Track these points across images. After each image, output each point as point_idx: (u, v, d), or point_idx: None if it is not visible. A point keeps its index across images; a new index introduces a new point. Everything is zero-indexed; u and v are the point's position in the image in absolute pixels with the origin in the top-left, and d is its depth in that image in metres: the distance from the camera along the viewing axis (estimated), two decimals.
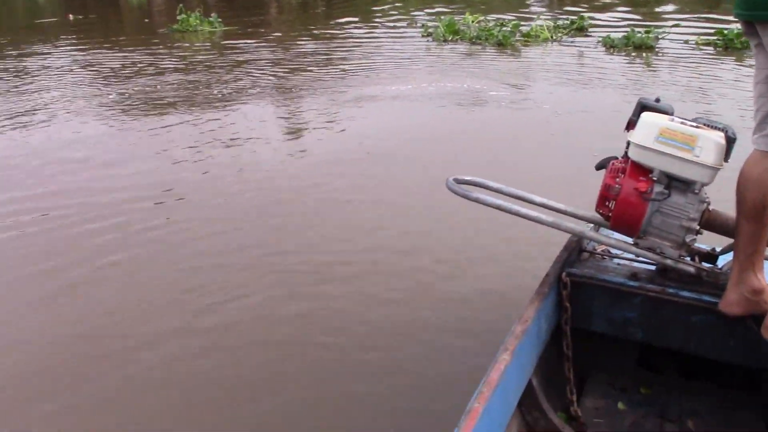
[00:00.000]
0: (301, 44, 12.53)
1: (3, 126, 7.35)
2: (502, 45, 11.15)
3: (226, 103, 8.08)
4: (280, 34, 14.32)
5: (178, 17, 14.71)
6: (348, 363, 3.19)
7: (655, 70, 9.29)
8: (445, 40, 11.91)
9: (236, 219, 4.85)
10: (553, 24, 12.41)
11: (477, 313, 3.52)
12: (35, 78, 9.99)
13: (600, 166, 2.40)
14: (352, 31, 14.20)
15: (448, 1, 17.44)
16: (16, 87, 9.33)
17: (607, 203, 2.26)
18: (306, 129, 7.11)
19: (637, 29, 10.99)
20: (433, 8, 16.22)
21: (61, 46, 13.39)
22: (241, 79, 9.35)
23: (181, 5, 15.09)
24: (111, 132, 7.09)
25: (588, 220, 2.51)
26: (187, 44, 13.19)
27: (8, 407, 3.00)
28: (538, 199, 2.53)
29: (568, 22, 12.58)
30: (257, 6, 20.45)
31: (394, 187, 5.32)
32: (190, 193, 5.37)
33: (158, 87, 9.01)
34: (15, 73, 10.39)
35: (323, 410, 2.90)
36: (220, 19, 15.07)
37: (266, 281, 3.98)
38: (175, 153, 6.34)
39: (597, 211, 2.31)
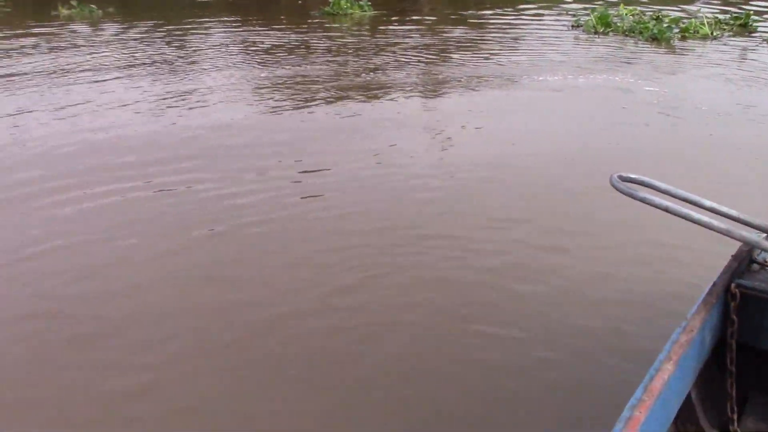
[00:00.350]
0: (449, 30, 12.60)
1: (167, 100, 7.87)
2: (656, 40, 10.73)
3: (371, 89, 8.27)
4: (428, 19, 14.43)
5: (330, 0, 15.14)
6: (492, 359, 3.18)
7: None
8: (595, 32, 11.59)
9: (375, 201, 4.96)
10: (714, 20, 11.76)
11: (623, 316, 3.45)
12: (195, 54, 10.66)
13: None
14: (501, 18, 14.08)
15: None
16: (177, 61, 9.98)
17: None
18: (449, 117, 7.14)
19: None
20: None
21: (220, 25, 14.14)
22: (387, 64, 9.54)
23: None
24: (261, 113, 7.41)
25: (763, 230, 2.39)
26: (337, 26, 13.58)
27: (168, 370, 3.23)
28: (708, 203, 2.39)
29: (731, 18, 11.90)
30: None
31: (539, 180, 5.28)
32: (332, 176, 5.51)
33: (308, 68, 9.35)
34: (177, 48, 11.14)
35: (470, 405, 2.90)
36: (369, 3, 15.38)
37: (409, 262, 4.06)
38: (317, 135, 6.54)
39: None
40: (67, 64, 9.66)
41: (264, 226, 4.57)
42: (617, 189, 2.32)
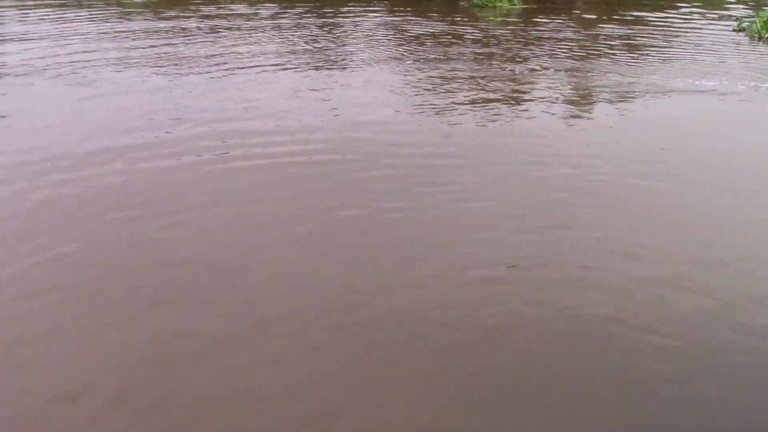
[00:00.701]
0: (601, 26, 12.31)
1: (317, 82, 8.23)
2: None
3: (516, 82, 8.25)
4: (580, 14, 14.13)
5: None
6: (649, 368, 3.10)
7: None
8: (760, 37, 10.95)
9: (512, 193, 4.95)
10: None
11: None
12: (346, 37, 11.03)
13: None
14: (658, 16, 13.60)
15: None
16: (329, 46, 10.34)
17: None
18: (596, 116, 7.04)
19: None
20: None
21: (372, 9, 14.51)
22: (535, 58, 9.49)
23: None
24: (403, 96, 7.58)
25: None
26: (487, 16, 13.62)
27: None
28: None
29: None
30: None
31: (696, 187, 5.15)
32: (468, 161, 5.57)
33: (452, 57, 9.44)
34: (328, 33, 11.58)
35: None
36: None
37: (543, 253, 4.09)
38: (457, 119, 6.68)
39: None
40: (224, 47, 10.24)
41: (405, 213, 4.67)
42: None
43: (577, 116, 7.02)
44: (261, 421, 2.76)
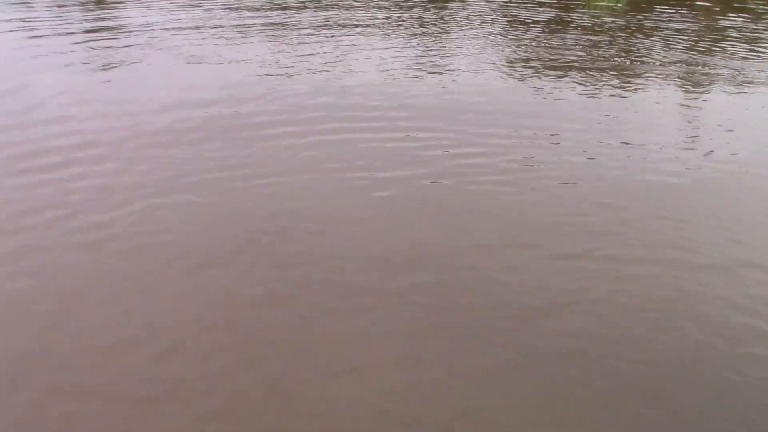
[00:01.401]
0: (724, 18, 11.56)
1: (424, 65, 7.93)
2: None
3: (624, 76, 7.83)
4: (704, 4, 13.34)
5: None
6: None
7: None
8: None
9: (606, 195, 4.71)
10: None
11: None
12: (456, 23, 10.69)
13: None
14: None
15: None
16: (434, 25, 10.03)
17: None
18: (707, 121, 6.49)
19: None
20: None
21: None
22: (646, 50, 9.08)
23: None
24: (509, 85, 7.32)
25: None
26: (596, 3, 13.10)
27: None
28: None
29: None
30: None
31: None
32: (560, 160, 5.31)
33: (561, 45, 9.15)
34: (439, 17, 11.39)
35: None
36: None
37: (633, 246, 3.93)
38: (564, 115, 6.34)
39: None
40: (333, 19, 10.37)
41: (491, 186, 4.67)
42: None
43: (684, 122, 6.55)
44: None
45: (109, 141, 5.19)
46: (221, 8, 11.00)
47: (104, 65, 7.35)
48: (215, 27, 9.33)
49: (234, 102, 6.20)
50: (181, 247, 3.74)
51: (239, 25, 9.60)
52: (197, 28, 9.20)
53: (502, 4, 13.05)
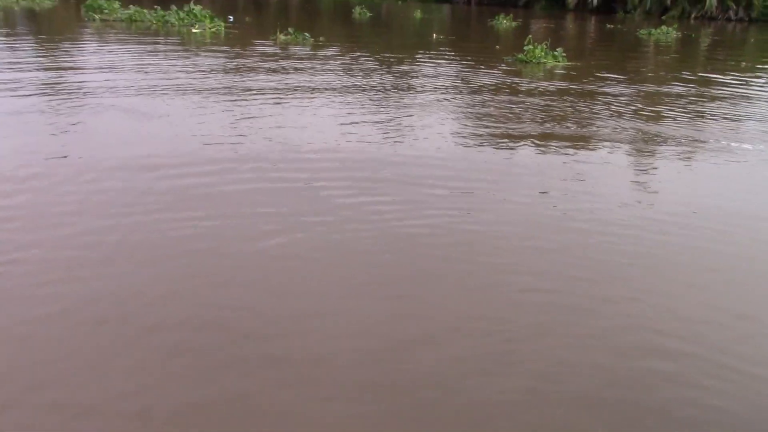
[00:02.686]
0: (668, 87, 12.53)
1: (384, 119, 8.56)
2: None
3: (576, 140, 8.33)
4: (647, 73, 14.38)
5: (525, 47, 15.51)
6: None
7: None
8: None
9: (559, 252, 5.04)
10: None
11: None
12: (410, 82, 11.52)
13: None
14: (735, 76, 13.79)
15: None
16: (394, 86, 10.78)
17: None
18: (657, 180, 6.99)
19: None
20: None
21: (430, 60, 15.16)
22: (592, 117, 9.68)
23: (529, 36, 16.04)
24: (458, 148, 7.75)
25: None
26: (534, 71, 14.02)
27: None
28: None
29: None
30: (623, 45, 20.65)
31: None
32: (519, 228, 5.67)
33: (510, 111, 9.74)
34: (397, 76, 12.17)
35: None
36: (564, 54, 15.59)
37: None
38: (512, 179, 6.79)
39: None
40: (286, 84, 10.90)
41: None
42: None
43: (634, 182, 7.03)
44: None
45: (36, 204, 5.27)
46: (178, 70, 11.65)
47: (55, 125, 7.55)
48: (168, 88, 9.82)
49: (183, 164, 6.35)
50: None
51: (196, 89, 9.97)
52: (150, 88, 9.70)
53: (443, 65, 13.94)
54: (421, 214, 5.44)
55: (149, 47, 15.42)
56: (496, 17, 28.65)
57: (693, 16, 40.89)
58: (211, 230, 4.95)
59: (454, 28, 30.49)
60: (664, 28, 26.68)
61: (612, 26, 31.04)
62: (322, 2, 44.25)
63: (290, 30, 18.47)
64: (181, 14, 20.76)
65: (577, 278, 4.50)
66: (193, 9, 20.89)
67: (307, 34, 18.47)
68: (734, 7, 41.39)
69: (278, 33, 18.38)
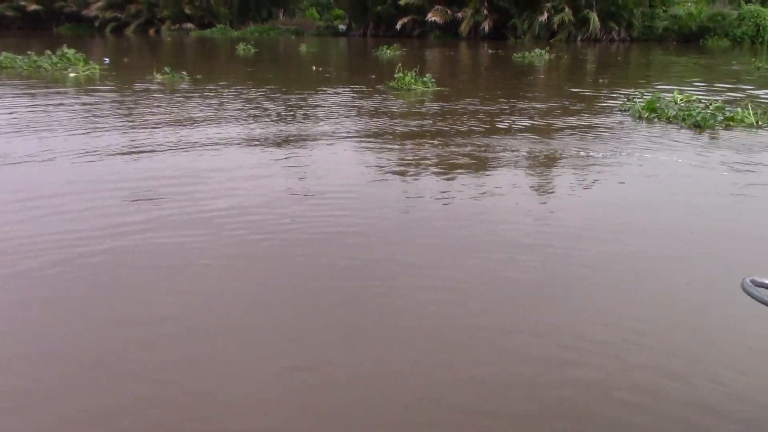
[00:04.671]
0: (504, 107, 13.19)
1: (281, 150, 8.69)
2: (699, 127, 10.87)
3: (442, 160, 8.79)
4: (508, 93, 15.06)
5: (396, 75, 16.03)
6: None
7: None
8: (640, 117, 11.85)
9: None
10: (761, 110, 11.81)
11: None
12: (306, 112, 11.69)
13: None
14: (596, 92, 14.59)
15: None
16: (288, 115, 10.94)
17: None
18: (521, 194, 7.42)
19: None
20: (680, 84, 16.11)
21: (311, 91, 15.49)
22: (455, 135, 10.17)
23: (400, 65, 16.59)
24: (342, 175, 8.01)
25: None
26: (408, 97, 14.51)
27: None
28: None
29: None
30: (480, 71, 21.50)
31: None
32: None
33: (384, 129, 10.06)
34: (288, 107, 12.33)
35: None
36: (433, 80, 16.20)
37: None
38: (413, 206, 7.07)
39: None
40: (163, 119, 10.96)
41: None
42: (749, 294, 2.12)
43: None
44: None
45: None
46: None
47: None
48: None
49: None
50: None
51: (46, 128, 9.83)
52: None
53: (319, 99, 14.26)
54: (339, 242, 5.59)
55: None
56: (381, 48, 29.36)
57: (579, 38, 43.11)
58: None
59: (339, 60, 31.04)
60: (537, 51, 27.95)
61: (493, 51, 32.24)
62: (217, 40, 44.20)
63: (167, 69, 18.43)
64: (54, 59, 20.33)
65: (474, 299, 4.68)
66: (66, 53, 20.50)
67: (184, 72, 18.48)
68: (616, 28, 43.90)
69: (155, 72, 18.30)
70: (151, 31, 53.54)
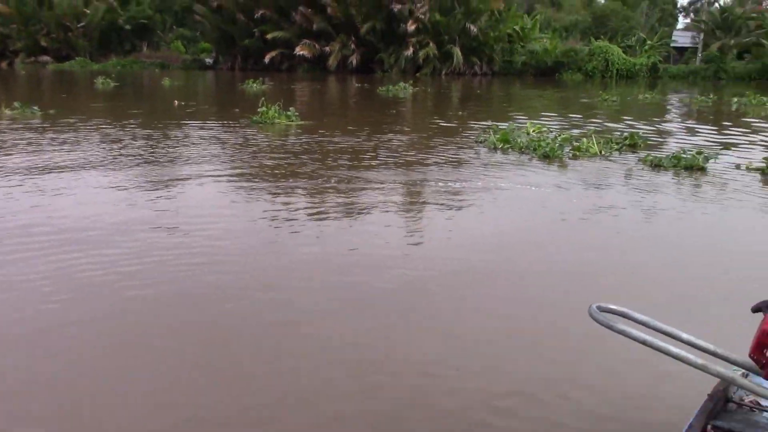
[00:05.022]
0: (365, 139, 13.32)
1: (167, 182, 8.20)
2: (548, 157, 11.41)
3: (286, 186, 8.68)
4: (348, 129, 15.19)
5: (259, 109, 15.89)
6: None
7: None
8: (495, 148, 12.31)
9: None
10: (603, 140, 12.58)
11: None
12: (173, 147, 11.18)
13: (756, 309, 2.22)
14: (451, 124, 14.91)
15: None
16: (149, 153, 10.42)
17: (764, 350, 2.08)
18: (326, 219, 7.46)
19: (689, 150, 11.11)
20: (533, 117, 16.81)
21: (172, 125, 15.07)
22: (313, 167, 10.12)
23: (263, 99, 16.47)
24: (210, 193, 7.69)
25: (739, 365, 2.31)
26: (265, 133, 14.36)
27: None
28: (685, 336, 2.32)
29: (622, 137, 12.85)
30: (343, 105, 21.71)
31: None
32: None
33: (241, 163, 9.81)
34: (154, 141, 11.83)
35: None
36: (297, 113, 16.18)
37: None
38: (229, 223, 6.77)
39: (751, 356, 2.16)
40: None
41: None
42: (595, 320, 2.23)
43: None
44: None
45: None
46: None
47: None
48: None
49: None
50: None
51: None
52: None
53: (180, 132, 13.86)
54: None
55: None
56: (247, 81, 29.15)
57: (444, 72, 44.68)
58: None
59: (204, 94, 30.53)
60: (401, 84, 28.67)
61: (360, 85, 32.76)
62: (77, 74, 42.35)
63: (17, 104, 17.42)
64: None
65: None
66: None
67: (35, 107, 17.52)
68: (479, 62, 45.94)
69: (2, 107, 17.25)
70: (4, 64, 50.76)
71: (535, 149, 11.79)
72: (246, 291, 5.22)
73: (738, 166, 10.83)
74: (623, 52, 45.77)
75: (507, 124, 14.44)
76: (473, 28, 44.00)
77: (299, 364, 4.10)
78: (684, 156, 10.73)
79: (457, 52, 44.37)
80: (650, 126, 16.90)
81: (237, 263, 5.86)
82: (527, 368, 4.10)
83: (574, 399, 3.75)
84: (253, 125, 15.38)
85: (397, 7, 43.24)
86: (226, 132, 14.34)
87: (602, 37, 48.29)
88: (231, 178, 9.49)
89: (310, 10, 44.91)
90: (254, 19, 46.43)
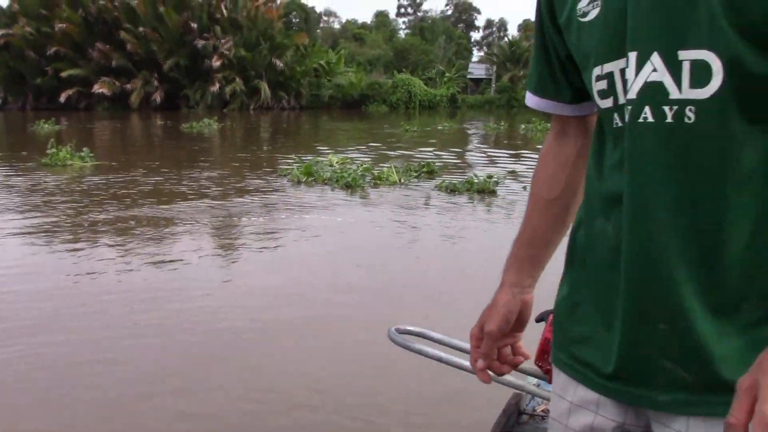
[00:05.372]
0: (166, 178, 12.91)
1: None
2: (350, 187, 11.70)
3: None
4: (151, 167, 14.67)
5: (48, 150, 14.90)
6: None
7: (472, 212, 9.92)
8: (299, 181, 12.42)
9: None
10: (403, 168, 13.15)
11: None
12: None
13: (540, 319, 2.23)
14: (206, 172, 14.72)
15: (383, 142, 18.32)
16: None
17: (546, 356, 2.12)
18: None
19: (480, 174, 11.89)
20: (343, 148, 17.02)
21: None
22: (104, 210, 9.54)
23: (52, 140, 15.48)
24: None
25: (531, 375, 2.32)
26: (57, 176, 13.37)
27: None
28: None
29: (419, 165, 13.50)
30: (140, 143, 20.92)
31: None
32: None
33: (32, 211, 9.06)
34: None
35: None
36: (92, 154, 15.37)
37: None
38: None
39: (536, 364, 2.18)
40: None
41: None
42: (394, 342, 2.24)
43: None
44: None
45: None
46: None
47: None
48: None
49: None
50: None
51: None
52: None
53: None
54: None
55: None
56: (38, 122, 27.27)
57: (252, 107, 44.43)
58: None
59: None
60: (206, 120, 28.22)
61: (163, 122, 31.81)
62: None
63: None
64: None
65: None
66: None
67: None
68: (286, 96, 46.22)
69: None
70: None
71: (337, 180, 12.05)
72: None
73: (525, 188, 11.75)
74: (424, 84, 48.27)
75: (311, 157, 14.63)
76: (279, 63, 44.37)
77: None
78: (476, 181, 11.48)
79: (264, 86, 44.43)
80: (449, 153, 17.91)
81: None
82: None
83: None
84: (43, 168, 14.36)
85: (200, 43, 42.56)
86: (10, 176, 13.27)
87: (404, 70, 50.64)
88: (20, 224, 8.80)
89: (108, 46, 42.97)
90: (46, 56, 43.60)
